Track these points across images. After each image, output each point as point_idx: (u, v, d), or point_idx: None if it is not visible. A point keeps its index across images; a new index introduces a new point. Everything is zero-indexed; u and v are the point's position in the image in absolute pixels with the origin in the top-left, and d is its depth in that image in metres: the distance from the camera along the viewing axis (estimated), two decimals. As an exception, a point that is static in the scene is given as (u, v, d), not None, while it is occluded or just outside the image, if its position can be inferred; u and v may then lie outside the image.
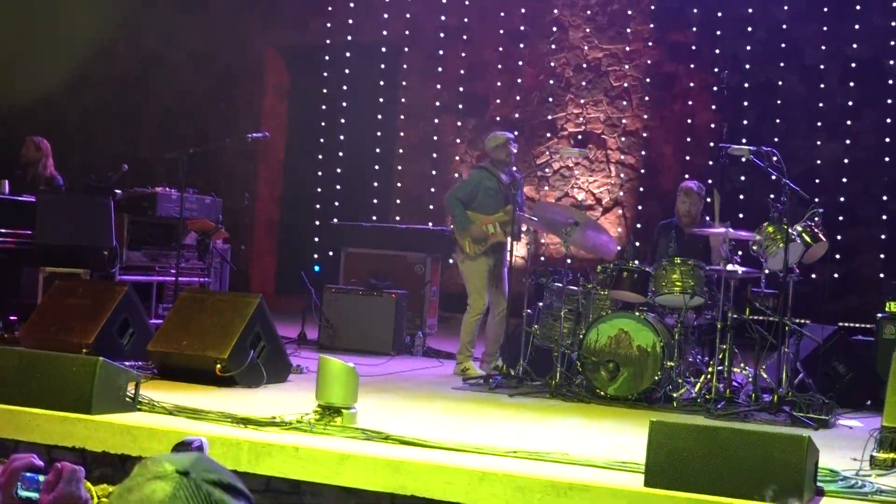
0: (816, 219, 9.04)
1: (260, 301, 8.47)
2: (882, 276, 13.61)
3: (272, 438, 6.36)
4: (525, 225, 9.96)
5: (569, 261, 9.52)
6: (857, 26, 14.01)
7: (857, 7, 13.99)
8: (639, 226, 14.69)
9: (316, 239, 16.16)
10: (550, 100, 15.48)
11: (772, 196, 8.93)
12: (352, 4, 16.56)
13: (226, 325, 8.26)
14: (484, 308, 9.94)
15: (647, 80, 14.96)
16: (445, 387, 9.11)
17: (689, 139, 14.64)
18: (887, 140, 13.80)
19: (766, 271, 9.09)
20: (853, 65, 14.02)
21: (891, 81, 13.84)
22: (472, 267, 9.98)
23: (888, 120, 13.82)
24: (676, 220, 9.89)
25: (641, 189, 14.92)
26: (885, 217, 13.76)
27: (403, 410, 7.72)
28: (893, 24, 13.83)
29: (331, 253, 13.89)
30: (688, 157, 14.62)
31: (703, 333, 9.18)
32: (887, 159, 13.78)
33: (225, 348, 8.10)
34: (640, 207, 14.88)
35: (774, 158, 9.06)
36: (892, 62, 13.84)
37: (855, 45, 13.99)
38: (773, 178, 8.84)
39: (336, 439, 6.36)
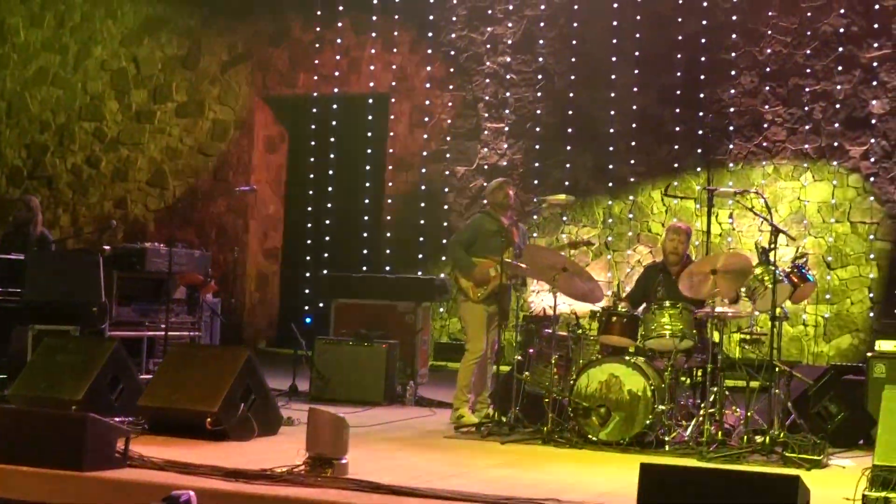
0: (804, 259, 9.08)
1: (249, 354, 8.47)
2: (872, 315, 13.65)
3: (263, 491, 6.35)
4: (515, 272, 9.97)
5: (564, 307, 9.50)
6: (839, 67, 14.11)
7: (840, 49, 14.10)
8: (629, 270, 14.72)
9: (307, 291, 16.17)
10: (537, 147, 15.54)
11: (759, 238, 8.98)
12: (338, 57, 16.67)
13: (215, 378, 8.25)
14: (482, 352, 9.92)
15: (634, 125, 15.04)
16: (437, 436, 9.10)
17: (675, 183, 14.70)
18: (872, 180, 13.86)
19: (756, 313, 9.12)
20: (837, 105, 14.11)
21: (874, 121, 13.92)
22: (472, 311, 10.00)
23: (872, 160, 13.89)
24: (664, 262, 9.90)
25: (630, 233, 14.96)
26: (872, 256, 13.80)
27: (395, 460, 7.71)
28: (875, 63, 13.93)
29: (321, 305, 13.88)
30: (675, 201, 14.67)
31: (694, 376, 9.16)
32: (871, 199, 13.83)
33: (215, 402, 8.09)
34: (629, 252, 14.92)
35: (761, 201, 9.12)
36: (874, 102, 13.92)
37: (839, 86, 14.09)
38: (760, 219, 8.87)
39: (327, 490, 6.35)
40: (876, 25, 14.00)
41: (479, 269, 9.88)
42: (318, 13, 16.81)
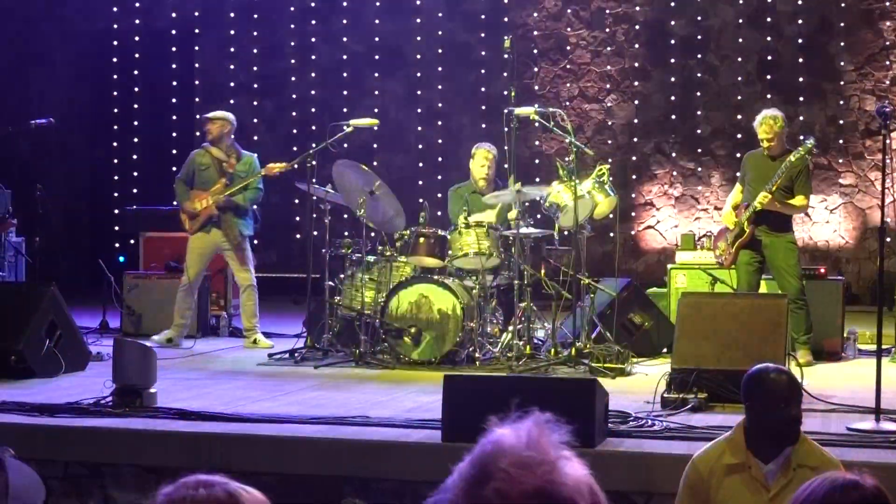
0: (604, 176, 9.29)
1: (52, 289, 8.30)
2: (676, 227, 14.05)
3: (69, 423, 6.28)
4: (320, 198, 9.93)
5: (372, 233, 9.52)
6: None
7: (639, -30, 14.38)
8: (439, 195, 14.81)
9: (116, 227, 15.85)
10: (345, 75, 15.49)
11: (560, 155, 9.15)
12: (139, -13, 16.26)
13: (18, 315, 8.08)
14: (190, 282, 10.26)
15: (440, 50, 15.09)
16: (250, 363, 9.08)
17: (483, 108, 14.83)
18: (673, 99, 14.23)
19: (562, 229, 9.29)
20: (637, 27, 14.40)
21: (673, 41, 14.26)
22: (190, 243, 10.36)
23: (672, 79, 14.25)
24: (471, 183, 9.99)
25: (440, 159, 15.07)
26: (675, 174, 14.20)
27: (206, 388, 7.68)
28: (672, -15, 14.26)
29: (132, 241, 13.65)
30: (484, 125, 14.82)
31: (502, 293, 9.33)
32: (674, 117, 14.21)
33: (18, 339, 7.92)
34: (439, 177, 15.02)
35: (562, 120, 9.27)
36: (673, 23, 14.26)
37: (638, 7, 14.37)
38: (561, 137, 9.03)
39: (134, 420, 6.30)
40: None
41: (189, 203, 10.26)
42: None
